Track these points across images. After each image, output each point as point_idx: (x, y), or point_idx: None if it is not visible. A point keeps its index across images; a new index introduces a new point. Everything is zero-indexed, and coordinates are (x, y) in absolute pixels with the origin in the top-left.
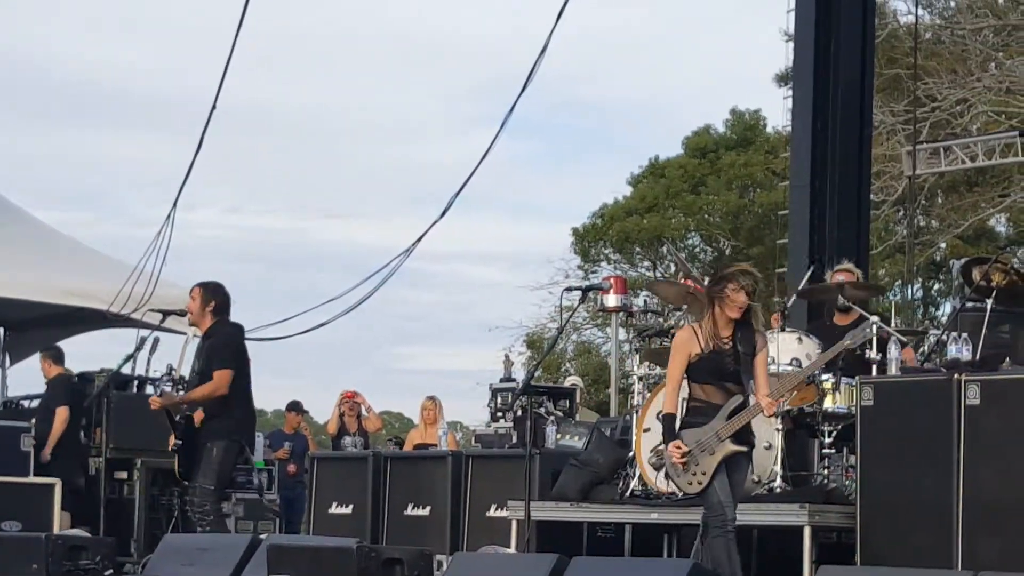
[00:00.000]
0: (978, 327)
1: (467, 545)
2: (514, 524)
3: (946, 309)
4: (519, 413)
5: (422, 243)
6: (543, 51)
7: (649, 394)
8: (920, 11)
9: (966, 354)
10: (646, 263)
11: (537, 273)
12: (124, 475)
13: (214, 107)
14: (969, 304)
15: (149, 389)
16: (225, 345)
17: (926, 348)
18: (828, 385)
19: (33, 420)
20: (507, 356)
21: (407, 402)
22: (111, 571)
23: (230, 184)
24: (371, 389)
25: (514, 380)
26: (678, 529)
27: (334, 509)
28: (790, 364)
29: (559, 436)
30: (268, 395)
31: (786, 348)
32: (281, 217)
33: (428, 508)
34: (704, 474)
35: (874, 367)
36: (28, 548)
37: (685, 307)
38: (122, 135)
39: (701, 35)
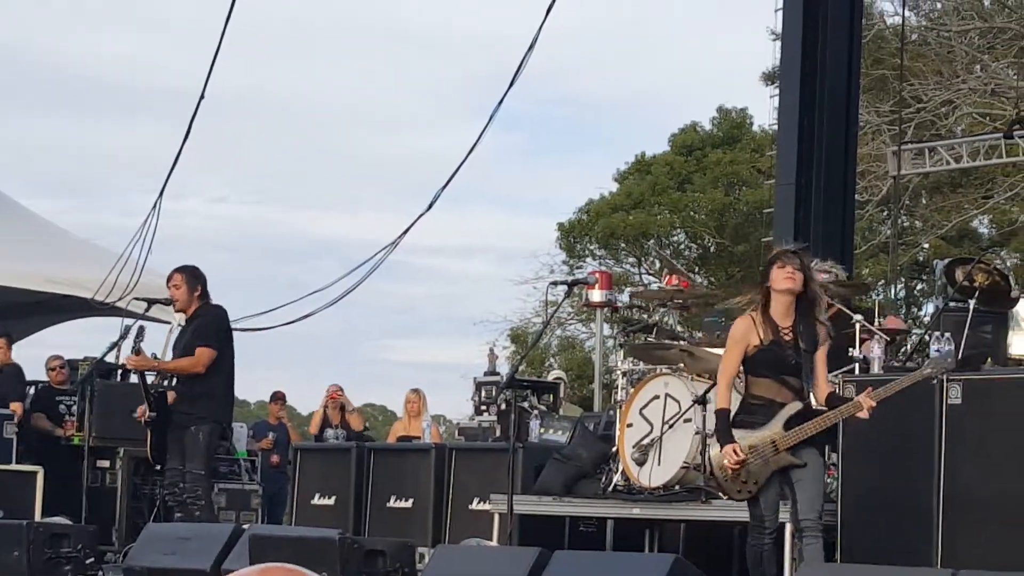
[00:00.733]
0: (960, 327)
1: (449, 538)
2: (496, 517)
3: (929, 309)
4: (503, 407)
5: (408, 236)
6: (532, 45)
7: (632, 389)
8: (907, 12)
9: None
10: (631, 259)
11: (522, 268)
12: (106, 464)
13: (202, 96)
14: (952, 304)
15: (133, 378)
16: (212, 324)
17: (908, 347)
18: None
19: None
20: (492, 350)
21: (391, 395)
22: (92, 559)
23: (218, 173)
24: (355, 382)
25: (498, 374)
26: (660, 524)
27: (317, 500)
28: None
29: (542, 430)
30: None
31: None
32: (268, 208)
33: (411, 500)
34: (755, 484)
35: (856, 366)
36: (9, 535)
37: (670, 303)
38: (111, 124)
39: (689, 33)
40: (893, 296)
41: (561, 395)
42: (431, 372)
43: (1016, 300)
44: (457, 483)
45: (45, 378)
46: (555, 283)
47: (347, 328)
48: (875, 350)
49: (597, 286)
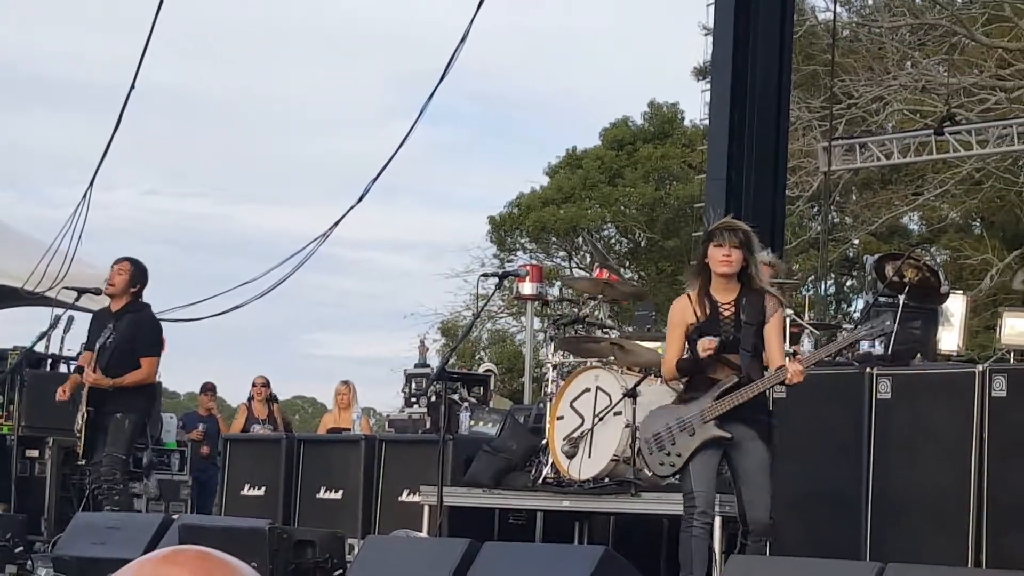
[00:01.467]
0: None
1: (379, 529)
2: (426, 509)
3: (859, 305)
4: (433, 399)
5: (339, 229)
6: (462, 40)
7: (563, 382)
8: (838, 8)
9: (878, 349)
10: (562, 253)
11: (453, 262)
12: (35, 453)
13: (132, 86)
14: (881, 300)
15: (63, 367)
16: (152, 331)
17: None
18: None
19: None
20: (422, 342)
21: (321, 388)
22: (21, 548)
23: (150, 166)
24: (285, 374)
25: (429, 366)
26: (589, 517)
27: (247, 491)
28: None
29: (473, 422)
30: (181, 377)
31: None
32: (200, 201)
33: (340, 492)
34: (679, 456)
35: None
36: None
37: (600, 296)
38: (41, 116)
39: (621, 28)
40: (823, 292)
41: (491, 388)
42: (361, 366)
43: (946, 296)
44: (387, 474)
45: None
46: (486, 275)
47: (278, 321)
48: (805, 344)
49: (528, 278)
